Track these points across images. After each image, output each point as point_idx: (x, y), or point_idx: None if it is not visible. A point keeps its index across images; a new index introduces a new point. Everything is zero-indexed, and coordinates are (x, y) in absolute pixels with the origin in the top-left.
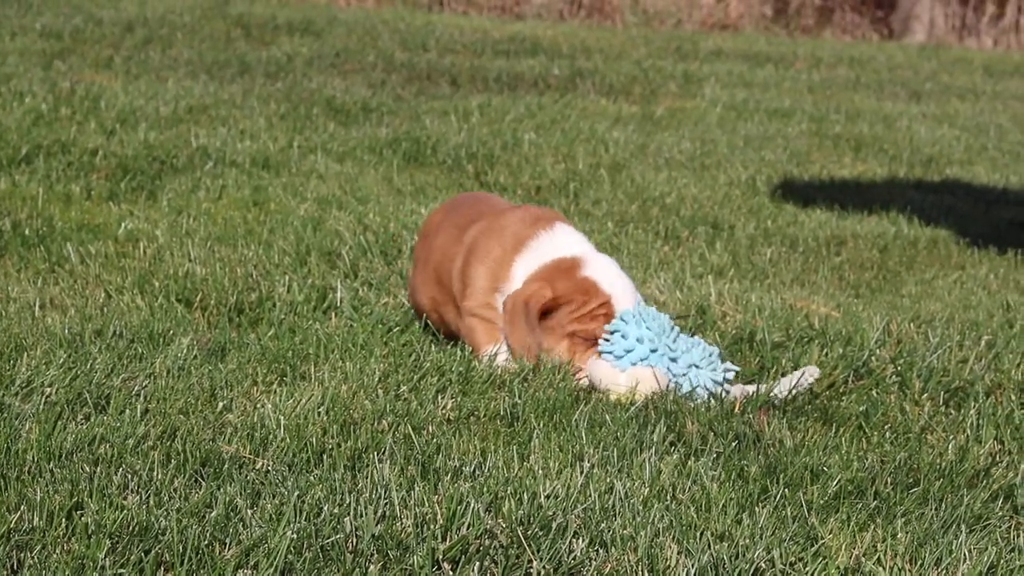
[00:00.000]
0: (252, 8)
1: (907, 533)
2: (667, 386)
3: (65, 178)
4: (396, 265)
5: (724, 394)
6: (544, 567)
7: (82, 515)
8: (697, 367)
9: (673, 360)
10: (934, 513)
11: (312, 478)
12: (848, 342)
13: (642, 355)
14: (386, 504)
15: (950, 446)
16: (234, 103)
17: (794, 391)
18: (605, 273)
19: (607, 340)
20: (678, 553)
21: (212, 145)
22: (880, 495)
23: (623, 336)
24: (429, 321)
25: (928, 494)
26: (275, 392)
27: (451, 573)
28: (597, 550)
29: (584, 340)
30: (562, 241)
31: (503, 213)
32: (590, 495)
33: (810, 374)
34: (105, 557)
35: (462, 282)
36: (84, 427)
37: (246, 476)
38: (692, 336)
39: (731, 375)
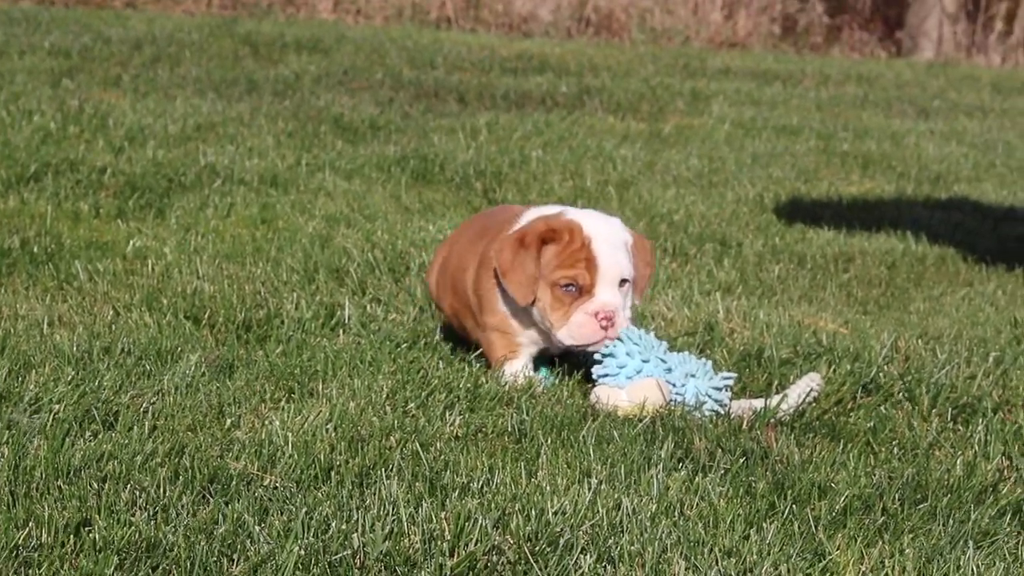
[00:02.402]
0: (260, 26)
1: (915, 549)
2: (669, 395)
3: (74, 196)
4: (404, 282)
5: (727, 402)
6: None
7: (90, 531)
8: (694, 376)
9: (668, 371)
10: (942, 529)
11: (320, 494)
12: (856, 358)
13: (636, 368)
14: (394, 520)
15: (958, 462)
16: (242, 121)
17: (802, 405)
18: (589, 218)
19: (600, 364)
20: (686, 569)
21: (220, 163)
22: (888, 511)
23: (613, 356)
24: (451, 323)
25: (936, 510)
26: (283, 409)
27: None
28: (605, 566)
29: (566, 293)
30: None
31: (510, 223)
32: (598, 511)
33: (814, 381)
34: (113, 573)
35: (476, 295)
36: (92, 444)
37: (254, 492)
38: (681, 352)
39: (729, 382)
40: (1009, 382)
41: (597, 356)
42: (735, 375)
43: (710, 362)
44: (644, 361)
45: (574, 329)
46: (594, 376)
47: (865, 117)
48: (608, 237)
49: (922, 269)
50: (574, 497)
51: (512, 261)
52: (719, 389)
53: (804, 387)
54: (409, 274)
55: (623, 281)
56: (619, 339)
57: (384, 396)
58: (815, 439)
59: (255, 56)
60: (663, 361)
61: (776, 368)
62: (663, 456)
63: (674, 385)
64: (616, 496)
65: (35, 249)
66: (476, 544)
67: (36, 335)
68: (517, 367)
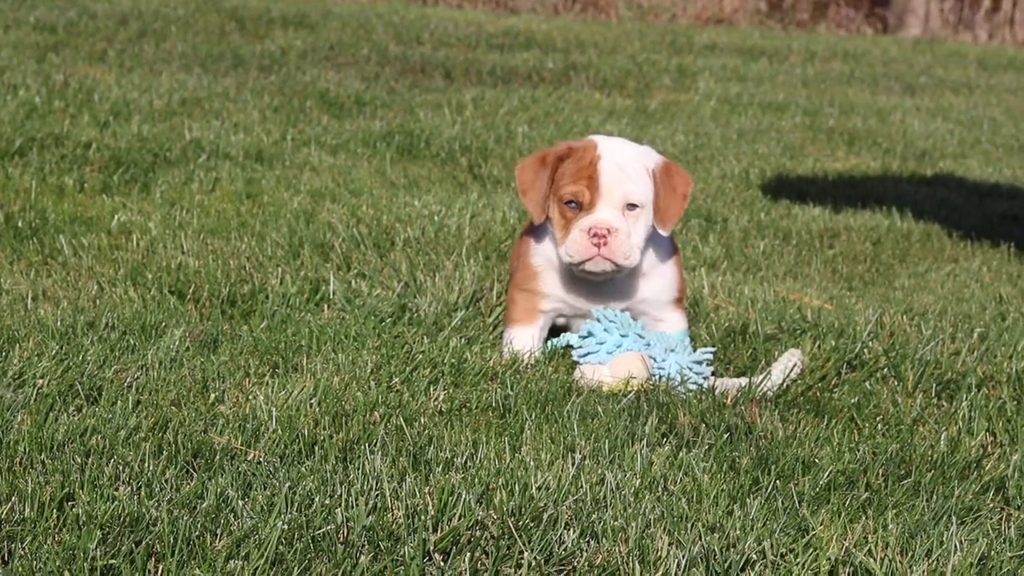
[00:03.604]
0: (246, 1)
1: (898, 524)
2: (652, 369)
3: (58, 171)
4: (389, 257)
5: (708, 376)
6: (535, 558)
7: (73, 506)
8: (673, 351)
9: (648, 346)
10: (925, 504)
11: (303, 469)
12: (841, 334)
13: (616, 343)
14: (377, 495)
15: (942, 438)
16: (228, 96)
17: (786, 382)
18: (608, 140)
19: (579, 347)
20: (669, 544)
21: (206, 138)
22: (871, 487)
23: (592, 335)
24: None
25: (919, 486)
26: (267, 384)
27: (442, 564)
28: (588, 541)
29: (568, 209)
30: None
31: None
32: (581, 486)
33: (795, 356)
34: (96, 548)
35: (515, 253)
36: (76, 418)
37: (237, 467)
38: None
39: (709, 356)
40: (993, 358)
41: (575, 340)
42: (714, 349)
43: (688, 337)
44: (623, 336)
45: (569, 245)
46: (575, 357)
47: (851, 93)
48: (619, 159)
49: (907, 245)
50: (558, 472)
51: (532, 180)
52: (700, 363)
53: (786, 363)
54: (394, 249)
55: (632, 206)
56: (596, 319)
57: (368, 371)
58: (799, 415)
59: (241, 31)
60: (641, 337)
61: (761, 344)
62: (647, 431)
63: (655, 360)
64: (600, 471)
65: (19, 224)
66: (460, 519)
67: (20, 310)
68: (521, 334)
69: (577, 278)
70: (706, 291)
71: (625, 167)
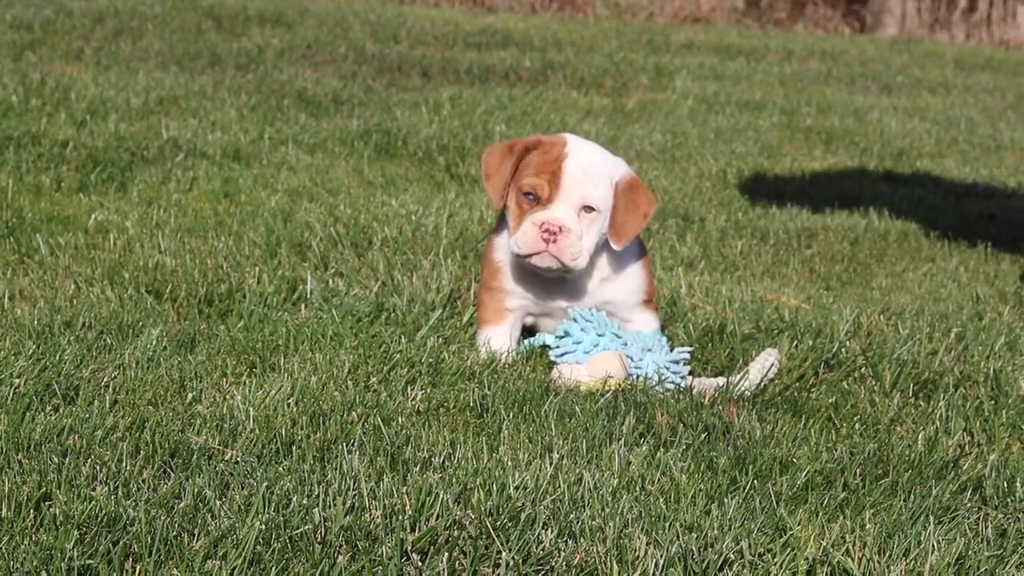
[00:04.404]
0: None
1: (876, 524)
2: (629, 368)
3: (35, 169)
4: (367, 257)
5: (686, 375)
6: (513, 558)
7: (50, 506)
8: (650, 351)
9: (624, 345)
10: (903, 504)
11: (281, 469)
12: (818, 334)
13: (593, 342)
14: (355, 495)
15: (919, 438)
16: (205, 95)
17: (764, 381)
18: (580, 142)
19: (557, 346)
20: (647, 544)
21: (183, 137)
22: (849, 486)
23: (568, 335)
24: None
25: (897, 485)
26: (244, 383)
27: (420, 564)
28: (566, 541)
29: (525, 200)
30: None
31: None
32: (559, 486)
33: (772, 356)
34: (73, 548)
35: (482, 251)
36: (53, 418)
37: (215, 467)
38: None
39: (686, 355)
40: (970, 358)
41: (551, 339)
42: (691, 349)
43: (665, 337)
44: (600, 335)
45: (520, 236)
46: (552, 357)
47: (828, 93)
48: (586, 162)
49: (884, 245)
50: (536, 472)
51: (497, 166)
52: (677, 363)
53: (764, 362)
54: (372, 248)
55: (589, 208)
56: (572, 319)
57: (346, 371)
58: (777, 414)
59: (218, 29)
60: (618, 336)
61: (738, 343)
62: (625, 431)
63: (632, 359)
64: (577, 471)
65: None
66: (437, 519)
67: None
68: (495, 334)
69: (536, 275)
70: (683, 291)
71: (589, 170)
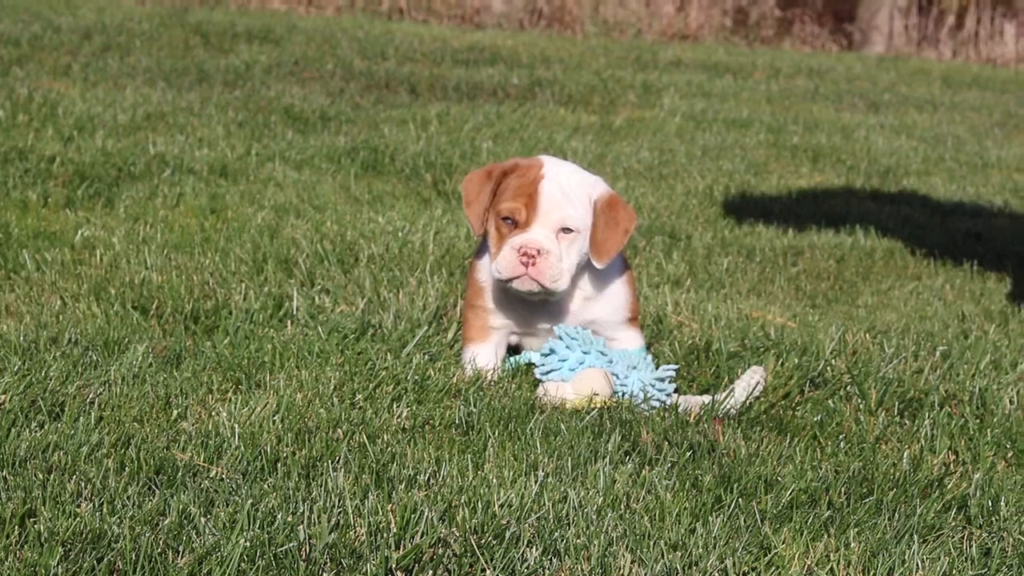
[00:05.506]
0: (211, 16)
1: (860, 543)
2: (615, 385)
3: (22, 185)
4: (353, 273)
5: (671, 393)
6: None
7: (35, 523)
8: (635, 368)
9: (610, 363)
10: (887, 523)
11: (266, 486)
12: (804, 352)
13: (579, 359)
14: (340, 513)
15: (904, 456)
16: (192, 111)
17: (749, 399)
18: (557, 164)
19: (543, 364)
20: (631, 562)
21: (170, 153)
22: (834, 505)
23: (554, 352)
24: None
25: (881, 504)
26: (230, 400)
27: None
28: (551, 559)
29: (504, 225)
30: None
31: None
32: (544, 504)
33: (757, 374)
34: (58, 565)
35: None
36: (38, 435)
37: (200, 484)
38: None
39: (672, 373)
40: (956, 376)
41: (537, 357)
42: (676, 367)
43: (650, 355)
44: (585, 353)
45: (499, 261)
46: (538, 375)
47: (815, 110)
48: (563, 183)
49: (871, 263)
50: (520, 490)
51: (476, 193)
52: (662, 380)
53: (749, 380)
54: (358, 265)
55: (567, 230)
56: (558, 336)
57: (331, 388)
58: (762, 432)
59: (206, 46)
60: (603, 354)
61: (724, 361)
62: (610, 449)
63: (617, 377)
64: (563, 489)
65: None
66: (422, 536)
67: None
68: (479, 352)
69: (519, 297)
70: (669, 308)
71: (567, 191)
